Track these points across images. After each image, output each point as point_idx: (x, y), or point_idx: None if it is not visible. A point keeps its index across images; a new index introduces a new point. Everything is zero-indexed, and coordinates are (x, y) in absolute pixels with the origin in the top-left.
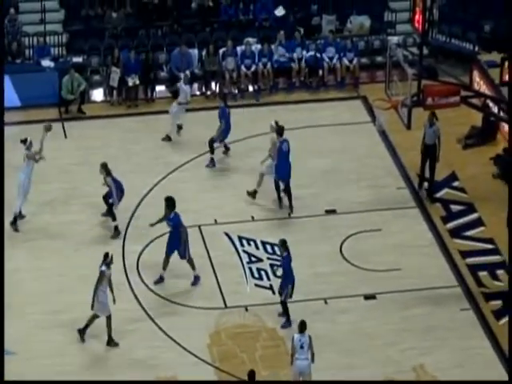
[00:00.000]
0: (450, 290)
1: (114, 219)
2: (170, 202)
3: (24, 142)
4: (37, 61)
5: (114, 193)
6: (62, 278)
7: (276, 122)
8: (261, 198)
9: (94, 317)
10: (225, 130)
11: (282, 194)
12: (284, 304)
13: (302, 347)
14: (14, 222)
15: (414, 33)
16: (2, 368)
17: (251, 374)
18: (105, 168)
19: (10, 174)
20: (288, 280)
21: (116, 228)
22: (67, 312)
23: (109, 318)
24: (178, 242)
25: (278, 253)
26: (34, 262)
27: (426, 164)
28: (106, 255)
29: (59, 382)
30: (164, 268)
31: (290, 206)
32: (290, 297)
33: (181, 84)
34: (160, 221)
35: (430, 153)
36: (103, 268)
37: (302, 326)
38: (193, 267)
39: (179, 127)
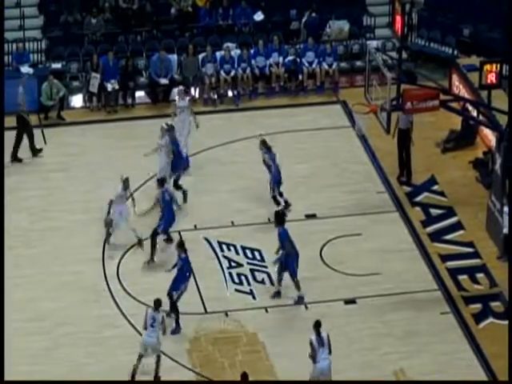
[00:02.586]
0: (430, 293)
1: (278, 204)
2: (278, 217)
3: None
4: (16, 67)
5: (274, 168)
6: (41, 285)
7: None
8: (241, 203)
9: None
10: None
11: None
12: (174, 305)
13: (152, 325)
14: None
15: (393, 37)
16: (2, 368)
17: (244, 375)
18: (264, 144)
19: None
20: (183, 280)
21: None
22: (45, 319)
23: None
24: (287, 256)
25: (259, 258)
26: (14, 269)
27: (402, 150)
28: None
29: (60, 381)
30: (297, 288)
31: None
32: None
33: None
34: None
35: (404, 137)
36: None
37: (157, 303)
38: (299, 287)
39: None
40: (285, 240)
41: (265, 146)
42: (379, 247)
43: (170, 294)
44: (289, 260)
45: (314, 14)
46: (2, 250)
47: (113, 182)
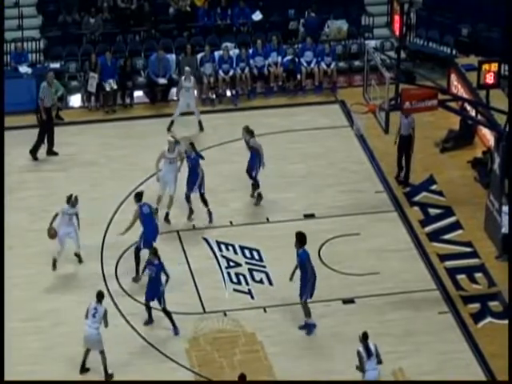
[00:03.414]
0: (429, 293)
1: (258, 186)
2: (299, 237)
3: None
4: (14, 67)
5: (256, 158)
6: (39, 285)
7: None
8: (239, 203)
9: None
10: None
11: None
12: (164, 310)
13: (93, 316)
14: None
15: (391, 37)
16: (2, 368)
17: (242, 376)
18: (247, 131)
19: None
20: (158, 287)
21: (259, 194)
22: (44, 319)
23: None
24: (305, 279)
25: (257, 257)
26: (13, 269)
27: (402, 155)
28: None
29: (60, 381)
30: (306, 315)
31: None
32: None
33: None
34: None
35: (405, 143)
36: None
37: (100, 296)
38: (307, 313)
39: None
40: (304, 262)
41: (248, 133)
42: (378, 247)
43: (146, 304)
44: (304, 282)
45: (312, 14)
46: (2, 249)
47: (112, 181)
